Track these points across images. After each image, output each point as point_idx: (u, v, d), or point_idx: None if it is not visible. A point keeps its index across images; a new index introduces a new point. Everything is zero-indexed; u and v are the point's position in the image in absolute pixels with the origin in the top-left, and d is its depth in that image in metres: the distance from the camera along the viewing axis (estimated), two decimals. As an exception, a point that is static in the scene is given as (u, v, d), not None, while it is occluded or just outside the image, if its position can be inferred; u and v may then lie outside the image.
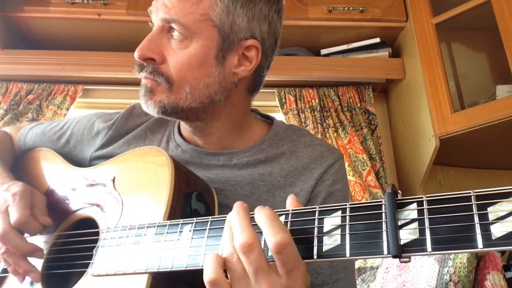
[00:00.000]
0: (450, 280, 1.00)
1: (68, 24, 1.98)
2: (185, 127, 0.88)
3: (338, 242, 0.47)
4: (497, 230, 0.38)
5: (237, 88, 0.80)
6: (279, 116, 2.01)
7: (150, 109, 0.78)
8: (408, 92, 1.99)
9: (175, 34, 0.75)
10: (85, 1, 1.93)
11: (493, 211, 0.40)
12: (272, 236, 0.48)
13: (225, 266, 0.51)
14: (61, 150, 0.96)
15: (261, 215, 0.50)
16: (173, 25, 0.74)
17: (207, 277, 0.50)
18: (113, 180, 0.78)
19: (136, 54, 0.76)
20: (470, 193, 0.42)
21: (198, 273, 0.58)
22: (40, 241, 0.81)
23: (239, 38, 0.77)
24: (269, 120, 0.93)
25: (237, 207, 0.53)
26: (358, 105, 2.07)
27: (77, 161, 0.94)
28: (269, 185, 0.81)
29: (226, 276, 0.51)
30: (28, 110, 1.97)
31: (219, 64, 0.76)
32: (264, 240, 0.50)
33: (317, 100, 2.05)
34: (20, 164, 0.98)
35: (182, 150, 0.86)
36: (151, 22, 0.80)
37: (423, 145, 1.83)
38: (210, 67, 0.76)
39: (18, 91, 2.01)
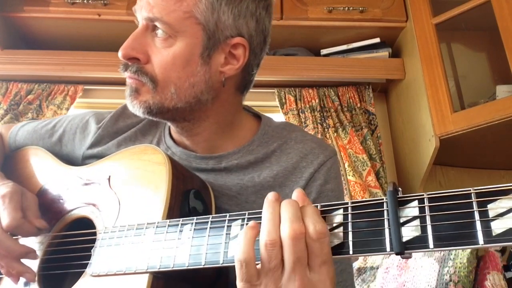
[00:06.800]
0: (450, 280, 1.00)
1: (68, 24, 1.98)
2: (173, 128, 0.86)
3: (341, 239, 0.48)
4: (497, 227, 0.39)
5: (225, 87, 0.78)
6: (279, 116, 2.01)
7: (136, 109, 0.77)
8: (408, 92, 1.99)
9: (159, 32, 0.73)
10: (85, 1, 1.93)
11: (493, 208, 0.40)
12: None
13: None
14: (52, 148, 0.95)
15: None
16: (156, 23, 0.73)
17: (238, 256, 0.50)
18: (109, 179, 0.77)
19: (120, 54, 0.75)
20: (470, 190, 0.42)
21: (198, 271, 0.58)
22: (35, 241, 0.80)
23: (225, 36, 0.74)
24: (259, 118, 0.90)
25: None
26: (358, 105, 2.07)
27: (68, 160, 0.92)
28: (257, 186, 0.80)
29: None
30: (28, 110, 1.97)
31: (205, 63, 0.74)
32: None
33: (317, 100, 2.05)
34: (11, 163, 0.96)
35: (171, 153, 0.85)
36: (137, 21, 0.78)
37: (423, 145, 1.82)
38: (195, 66, 0.74)
39: (18, 91, 2.00)
